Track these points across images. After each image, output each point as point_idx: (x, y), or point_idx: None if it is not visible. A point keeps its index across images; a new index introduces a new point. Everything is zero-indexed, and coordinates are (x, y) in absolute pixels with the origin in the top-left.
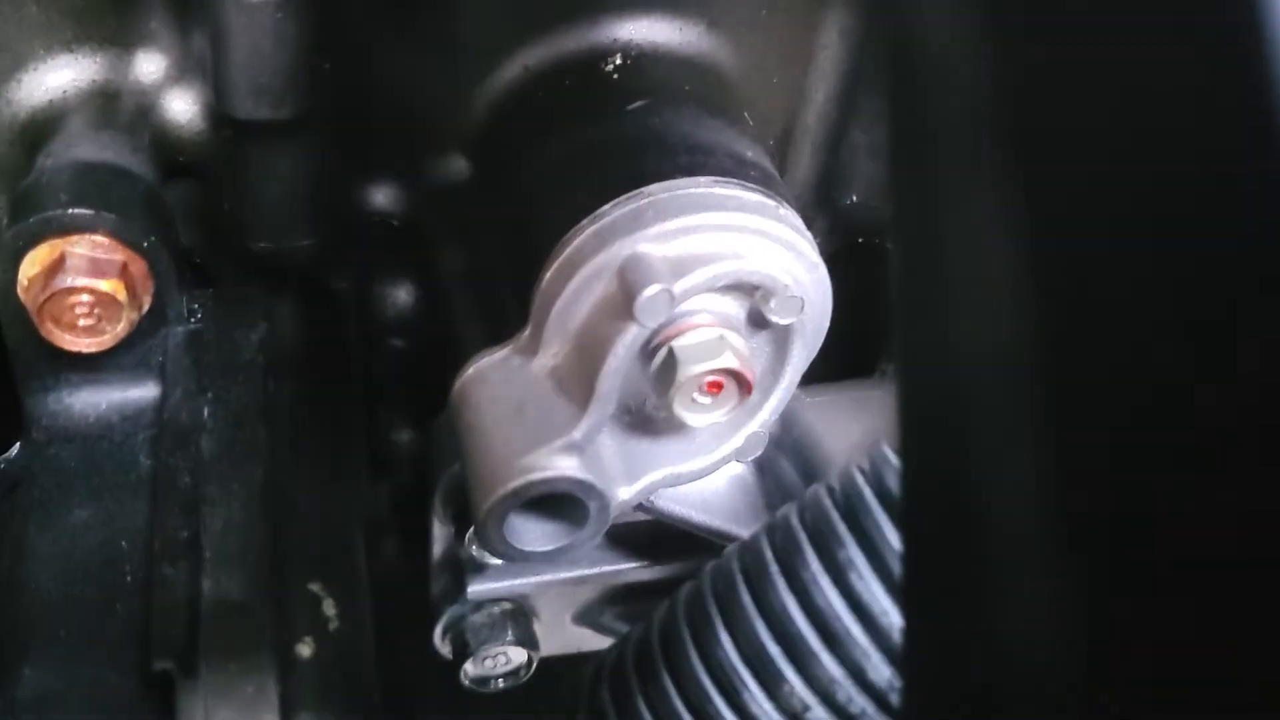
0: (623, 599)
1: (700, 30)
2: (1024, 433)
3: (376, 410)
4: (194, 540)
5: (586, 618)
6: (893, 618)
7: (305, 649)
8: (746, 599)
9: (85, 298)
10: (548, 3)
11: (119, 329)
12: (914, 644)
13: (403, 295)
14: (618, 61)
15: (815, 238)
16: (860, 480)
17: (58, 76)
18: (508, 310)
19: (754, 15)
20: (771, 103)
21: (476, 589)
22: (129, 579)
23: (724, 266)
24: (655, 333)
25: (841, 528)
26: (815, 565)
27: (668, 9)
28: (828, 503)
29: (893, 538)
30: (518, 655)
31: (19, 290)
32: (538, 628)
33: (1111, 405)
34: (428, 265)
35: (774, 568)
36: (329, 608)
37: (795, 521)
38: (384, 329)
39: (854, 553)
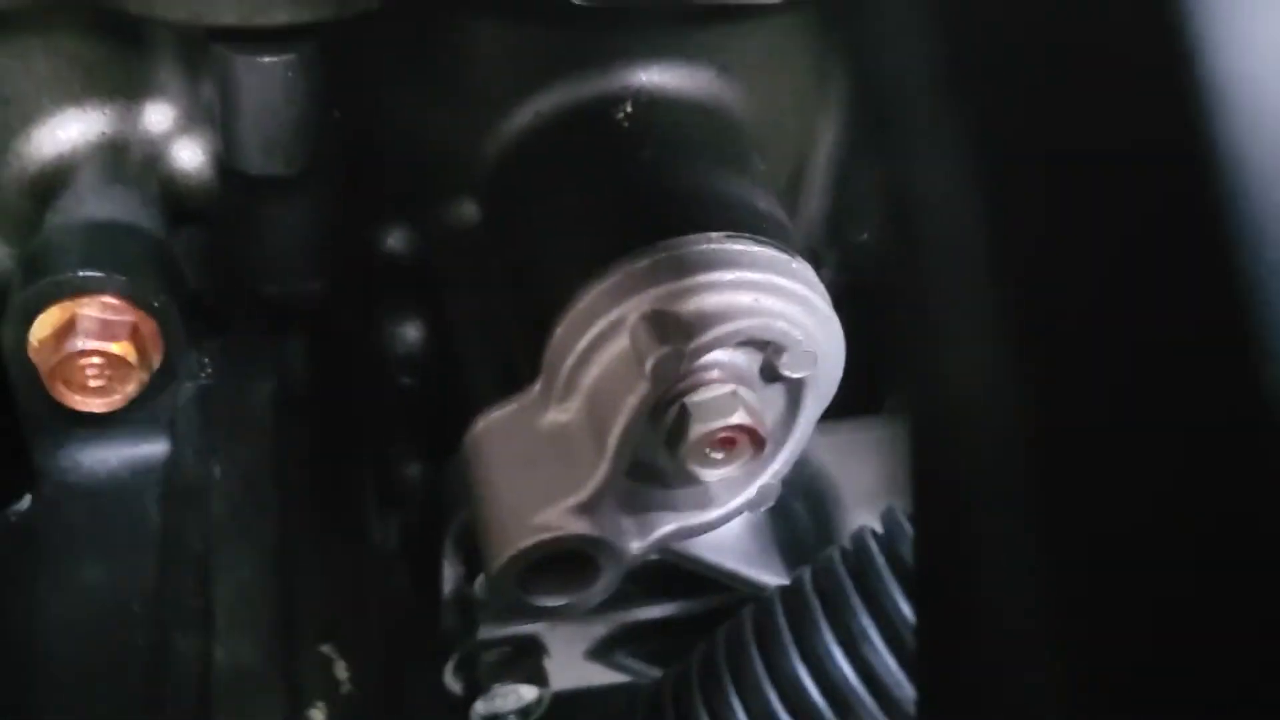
0: (634, 636)
1: (711, 75)
2: (1023, 516)
3: (387, 446)
4: (205, 605)
5: (598, 654)
6: (906, 690)
7: (318, 714)
8: (759, 666)
9: (96, 360)
10: (560, 49)
11: (129, 389)
12: (926, 714)
13: (412, 333)
14: (629, 109)
15: (827, 274)
16: (873, 547)
17: (66, 130)
18: (517, 359)
19: (765, 59)
20: (783, 144)
21: (488, 629)
22: (140, 643)
23: (737, 324)
24: (668, 389)
25: (854, 597)
26: (828, 635)
27: (679, 55)
28: (841, 569)
29: (905, 607)
30: (529, 693)
31: (30, 351)
32: (549, 664)
33: (1109, 491)
34: (438, 306)
35: (787, 635)
36: (340, 670)
37: (808, 588)
38: (394, 367)
39: (866, 623)
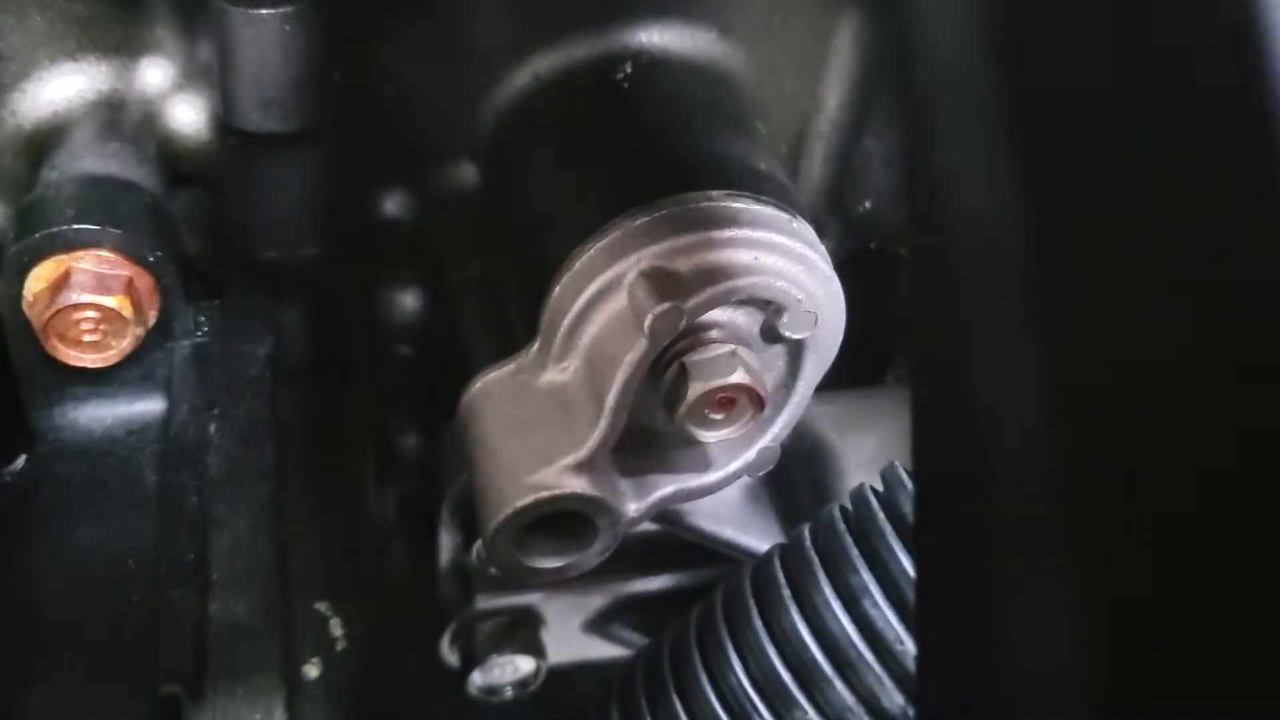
0: (632, 607)
1: (713, 37)
2: (1040, 455)
3: (384, 415)
4: (201, 562)
5: (596, 626)
6: (907, 645)
7: (312, 670)
8: (758, 623)
9: (91, 314)
10: (559, 10)
11: (124, 344)
12: (927, 671)
13: (411, 301)
14: (629, 70)
15: (828, 243)
16: (874, 503)
17: (63, 86)
18: (515, 321)
19: (767, 21)
20: (784, 109)
21: (485, 598)
22: (136, 599)
23: (736, 282)
24: (666, 348)
25: (854, 552)
26: (828, 590)
27: (680, 16)
28: (841, 526)
29: (906, 563)
30: (526, 664)
31: (24, 305)
32: (546, 636)
33: (1125, 429)
34: (436, 272)
35: (786, 592)
36: (336, 627)
37: (808, 544)
38: (392, 335)
39: (867, 578)
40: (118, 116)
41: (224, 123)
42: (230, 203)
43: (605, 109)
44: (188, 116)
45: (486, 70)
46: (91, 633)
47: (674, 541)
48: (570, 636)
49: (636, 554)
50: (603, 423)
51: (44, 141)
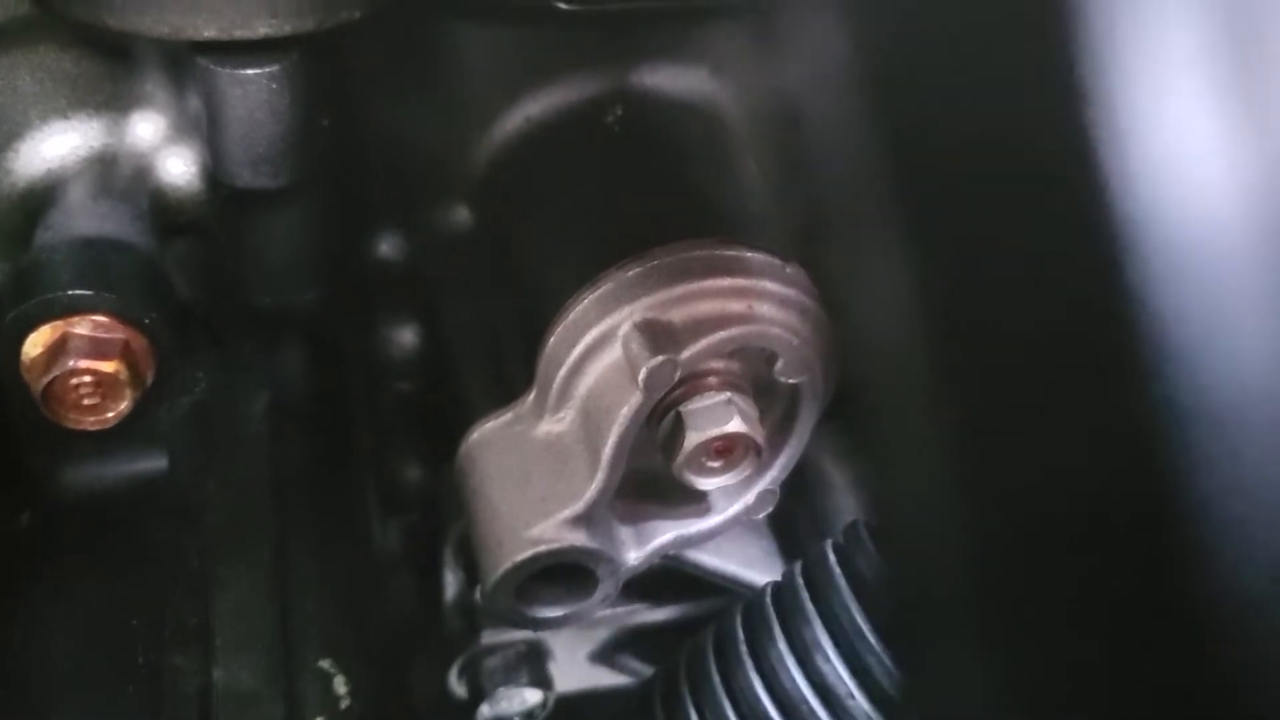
0: (638, 639)
1: (703, 75)
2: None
3: (385, 450)
4: (204, 626)
5: (602, 657)
6: (859, 701)
7: None
8: (717, 679)
9: (88, 378)
10: (548, 53)
11: (122, 406)
12: None
13: (408, 337)
14: (619, 112)
15: None
16: (832, 561)
17: (55, 145)
18: (511, 368)
19: (756, 55)
20: (776, 142)
21: (491, 633)
22: (140, 661)
23: (730, 332)
24: (662, 398)
25: (810, 609)
26: (783, 645)
27: (670, 56)
28: (800, 582)
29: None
30: (533, 695)
31: (22, 370)
32: (553, 667)
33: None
34: (432, 310)
35: (744, 648)
36: (340, 685)
37: (768, 600)
38: (390, 372)
39: (820, 635)
40: (110, 172)
41: (215, 178)
42: (224, 252)
43: (597, 153)
44: (179, 169)
45: (477, 115)
46: (98, 694)
47: (679, 574)
48: (577, 666)
49: (642, 588)
50: (599, 476)
51: (38, 199)
